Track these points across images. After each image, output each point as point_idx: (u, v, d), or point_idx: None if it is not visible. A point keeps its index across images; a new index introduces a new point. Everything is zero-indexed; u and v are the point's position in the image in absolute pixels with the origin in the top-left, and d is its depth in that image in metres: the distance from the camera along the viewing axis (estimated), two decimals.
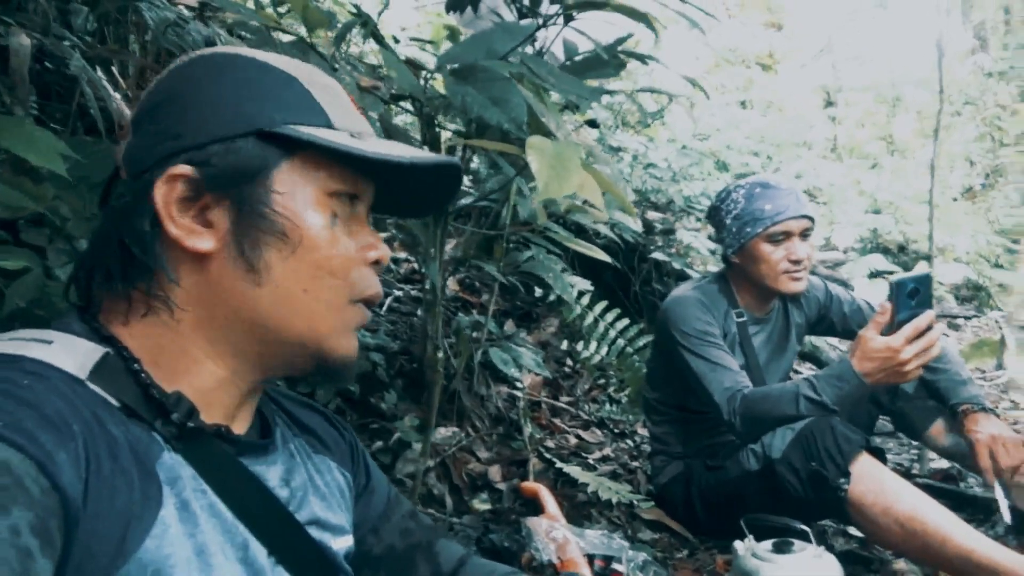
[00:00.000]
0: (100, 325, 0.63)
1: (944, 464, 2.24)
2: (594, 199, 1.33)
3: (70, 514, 0.48)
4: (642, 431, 2.54)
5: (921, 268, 3.96)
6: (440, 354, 1.66)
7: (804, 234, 1.84)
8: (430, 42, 2.71)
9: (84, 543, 0.49)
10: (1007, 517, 1.66)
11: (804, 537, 1.39)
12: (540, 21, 1.67)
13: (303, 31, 1.31)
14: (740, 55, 6.86)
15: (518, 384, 2.43)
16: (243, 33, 1.69)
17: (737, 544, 1.42)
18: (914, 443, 2.46)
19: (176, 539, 0.56)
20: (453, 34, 2.70)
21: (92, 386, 0.57)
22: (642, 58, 1.97)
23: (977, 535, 1.44)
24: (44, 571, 0.45)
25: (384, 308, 2.54)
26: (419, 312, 2.69)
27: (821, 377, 1.65)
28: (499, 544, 1.69)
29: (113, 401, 0.58)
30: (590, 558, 1.70)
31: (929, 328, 1.53)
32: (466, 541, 1.72)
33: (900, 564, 1.73)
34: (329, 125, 0.66)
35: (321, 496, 0.74)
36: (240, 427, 0.68)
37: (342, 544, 0.75)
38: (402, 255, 2.90)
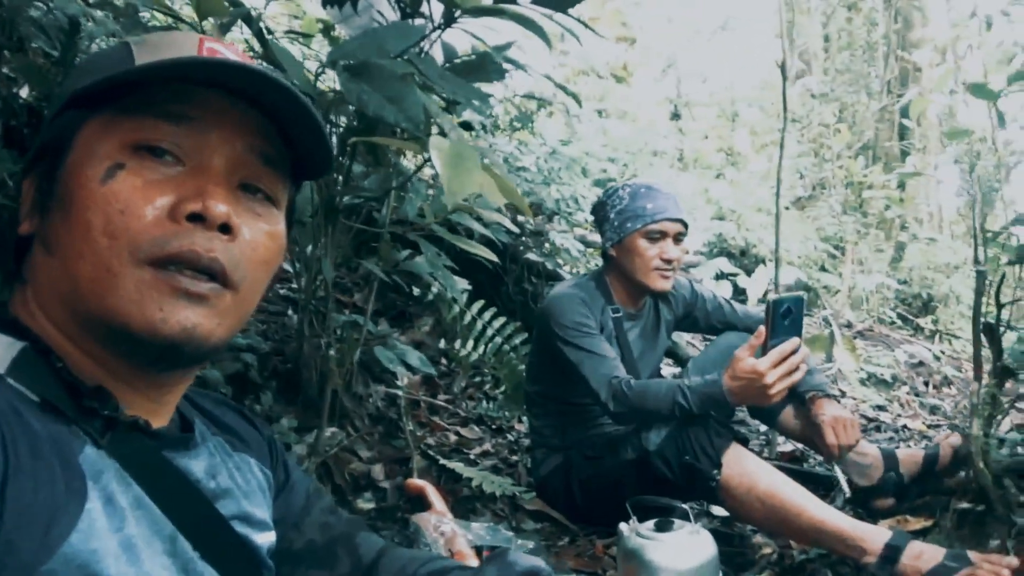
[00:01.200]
0: (13, 316, 0.61)
1: (789, 447, 2.47)
2: (494, 199, 1.38)
3: None
4: (519, 427, 2.62)
5: (788, 290, 4.31)
6: (332, 352, 1.64)
7: (678, 237, 1.98)
8: (305, 35, 2.65)
9: (5, 540, 0.47)
10: (847, 489, 1.86)
11: (684, 516, 1.50)
12: (432, 22, 1.70)
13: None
14: (595, 67, 7.17)
15: (397, 383, 2.44)
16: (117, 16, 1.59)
17: (622, 525, 1.51)
18: (762, 429, 2.69)
19: (102, 533, 0.54)
20: (327, 29, 2.66)
21: (10, 380, 0.55)
22: (522, 66, 2.04)
23: (827, 507, 1.62)
24: None
25: None
26: (289, 312, 2.63)
27: (693, 388, 1.76)
28: (390, 540, 1.69)
29: (33, 396, 0.56)
30: (478, 549, 1.75)
31: (794, 353, 1.66)
32: None
33: (757, 538, 1.90)
34: (126, 66, 0.62)
35: (243, 493, 0.74)
36: (159, 423, 0.66)
37: (265, 539, 0.75)
38: None
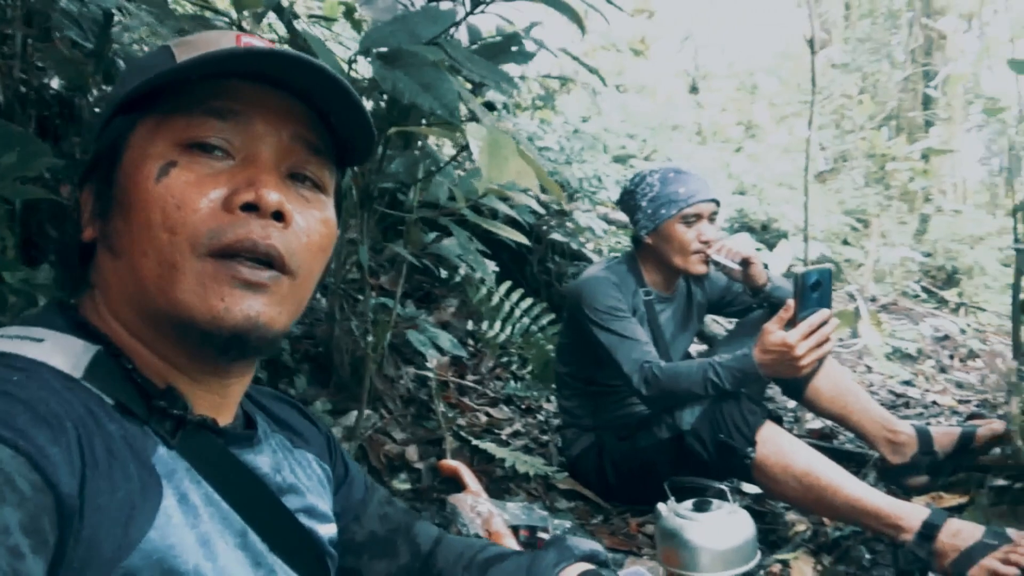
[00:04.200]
0: (84, 320, 0.63)
1: (818, 424, 2.47)
2: (530, 184, 1.38)
3: (65, 511, 0.48)
4: (547, 406, 2.64)
5: (806, 263, 4.27)
6: (369, 336, 1.66)
7: (712, 217, 1.98)
8: (329, 19, 2.64)
9: (87, 538, 0.49)
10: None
11: (721, 496, 1.52)
12: (465, 7, 1.69)
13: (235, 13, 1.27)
14: (614, 42, 7.09)
15: (427, 365, 2.46)
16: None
17: (660, 506, 1.53)
18: (790, 406, 2.70)
19: (179, 529, 0.56)
20: (349, 12, 2.65)
21: (86, 384, 0.57)
22: (548, 48, 2.03)
23: (863, 484, 1.62)
24: (35, 569, 0.45)
25: None
26: (318, 295, 2.65)
27: (725, 365, 1.77)
28: (430, 521, 1.73)
29: (107, 399, 0.57)
30: (515, 529, 1.78)
31: (823, 325, 1.66)
32: None
33: (790, 516, 1.92)
34: (169, 64, 0.63)
35: (306, 488, 0.76)
36: (224, 420, 0.68)
37: (327, 531, 0.77)
38: None
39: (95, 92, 1.67)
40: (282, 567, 0.66)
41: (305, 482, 0.76)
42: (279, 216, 0.62)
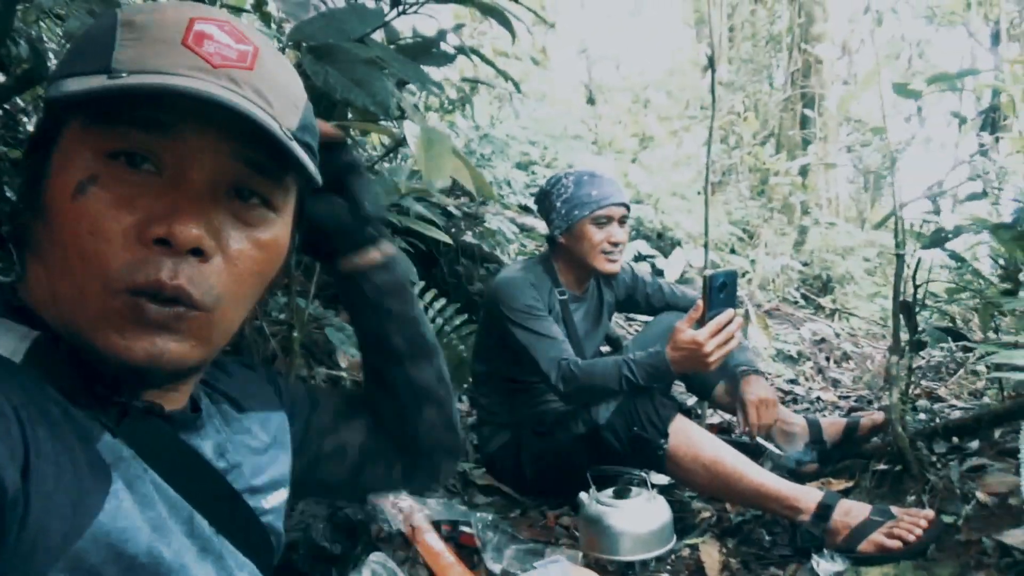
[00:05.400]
0: (23, 304, 0.60)
1: (717, 419, 2.62)
2: (465, 183, 1.42)
3: (8, 497, 0.47)
4: (460, 406, 2.67)
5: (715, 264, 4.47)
6: (294, 335, 1.64)
7: (622, 220, 2.07)
8: (239, 9, 2.58)
9: (33, 524, 0.49)
10: (781, 452, 2.01)
11: (640, 484, 1.60)
12: (387, 5, 1.71)
13: None
14: (516, 50, 7.21)
15: (340, 365, 2.44)
16: None
17: (583, 495, 1.60)
18: (689, 403, 2.85)
19: (130, 513, 0.56)
20: (259, 2, 2.60)
21: (27, 369, 0.56)
22: (468, 52, 2.07)
23: (764, 471, 1.75)
24: None
25: None
26: None
27: (638, 362, 1.86)
28: (353, 518, 1.72)
29: (49, 385, 0.56)
30: (437, 524, 1.80)
31: (729, 323, 1.79)
32: (316, 519, 1.73)
33: (697, 504, 2.03)
34: (104, 69, 0.56)
35: (251, 464, 0.75)
36: (173, 406, 0.67)
37: (275, 500, 0.76)
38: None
39: None
40: (229, 550, 0.66)
41: (251, 456, 0.75)
42: (198, 251, 0.57)
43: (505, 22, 1.62)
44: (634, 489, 1.57)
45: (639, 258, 5.15)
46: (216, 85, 0.57)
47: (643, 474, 1.62)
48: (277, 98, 0.61)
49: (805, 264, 6.00)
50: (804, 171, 6.45)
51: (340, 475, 0.88)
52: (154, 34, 0.58)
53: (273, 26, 2.53)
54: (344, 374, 2.39)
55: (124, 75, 0.55)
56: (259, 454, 0.77)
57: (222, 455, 0.71)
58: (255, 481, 0.74)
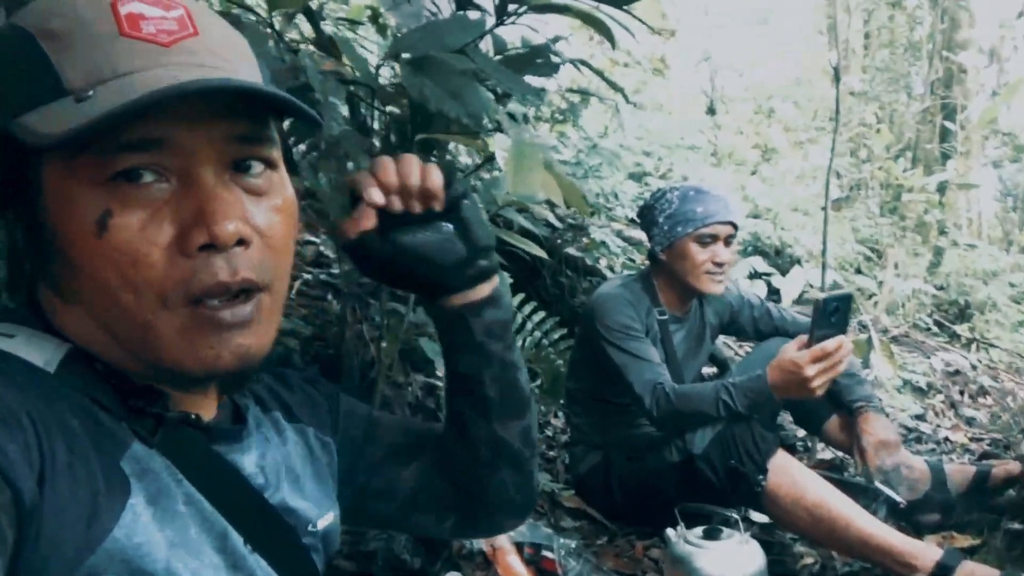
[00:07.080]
0: (51, 322, 0.60)
1: (829, 455, 2.44)
2: (554, 198, 1.37)
3: (24, 508, 0.47)
4: (555, 422, 2.62)
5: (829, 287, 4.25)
6: (384, 343, 1.65)
7: (728, 240, 1.96)
8: (355, 22, 2.64)
9: (47, 536, 0.48)
10: (898, 499, 1.84)
11: (731, 524, 1.49)
12: (489, 15, 1.69)
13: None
14: (635, 58, 7.11)
15: (437, 373, 2.44)
16: None
17: (669, 531, 1.51)
18: (800, 435, 2.67)
19: (148, 529, 0.54)
20: (375, 15, 2.66)
21: (57, 380, 0.56)
22: (575, 62, 2.02)
23: (875, 520, 1.61)
24: None
25: (293, 292, 2.48)
26: (329, 296, 2.64)
27: (737, 385, 1.77)
28: None
29: (81, 395, 0.56)
30: (519, 545, 1.76)
31: (838, 349, 1.66)
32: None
33: (799, 547, 1.89)
34: (62, 92, 0.52)
35: (294, 478, 0.72)
36: (210, 413, 0.66)
37: (321, 522, 0.73)
38: (304, 237, 2.83)
39: None
40: (265, 570, 0.64)
41: (294, 473, 0.73)
42: (241, 241, 0.56)
43: (605, 31, 1.56)
44: (726, 530, 1.47)
45: (754, 275, 4.92)
46: (188, 66, 0.54)
47: (736, 515, 1.52)
48: (232, 52, 0.59)
49: (940, 288, 5.56)
50: (942, 188, 5.99)
51: (388, 514, 0.85)
52: (85, 35, 0.53)
53: (389, 36, 2.58)
54: (440, 383, 2.39)
55: (90, 93, 0.51)
56: (305, 472, 0.75)
57: (262, 469, 0.68)
58: (297, 501, 0.71)
